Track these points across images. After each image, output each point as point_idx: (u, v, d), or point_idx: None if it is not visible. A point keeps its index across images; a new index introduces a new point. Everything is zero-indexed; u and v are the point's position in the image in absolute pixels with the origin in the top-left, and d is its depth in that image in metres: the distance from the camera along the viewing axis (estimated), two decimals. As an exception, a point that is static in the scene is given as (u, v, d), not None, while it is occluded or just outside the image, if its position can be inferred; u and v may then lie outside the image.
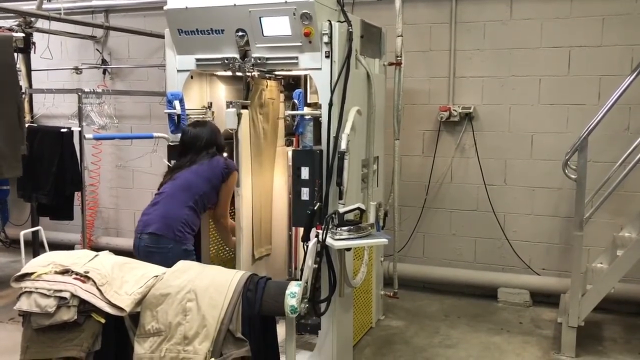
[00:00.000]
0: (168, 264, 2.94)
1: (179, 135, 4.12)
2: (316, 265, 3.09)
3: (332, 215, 3.44)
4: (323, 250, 3.46)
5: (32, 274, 2.70)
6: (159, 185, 3.80)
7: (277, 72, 4.33)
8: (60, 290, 2.61)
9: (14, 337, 3.64)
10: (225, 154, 4.00)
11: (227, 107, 3.94)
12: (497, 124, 5.49)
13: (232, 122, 3.85)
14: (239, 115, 3.91)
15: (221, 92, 4.63)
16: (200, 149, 3.78)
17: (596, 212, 4.75)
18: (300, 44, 3.77)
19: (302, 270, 2.72)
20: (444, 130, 5.66)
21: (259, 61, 3.91)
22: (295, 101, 3.86)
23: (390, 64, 4.86)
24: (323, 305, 3.62)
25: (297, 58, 3.83)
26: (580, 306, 4.21)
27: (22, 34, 5.15)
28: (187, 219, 3.59)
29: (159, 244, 3.49)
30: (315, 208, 3.59)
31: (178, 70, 4.19)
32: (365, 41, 4.27)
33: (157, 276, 2.79)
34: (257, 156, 4.33)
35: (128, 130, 6.80)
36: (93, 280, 2.66)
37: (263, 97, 4.39)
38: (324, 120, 3.78)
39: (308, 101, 4.28)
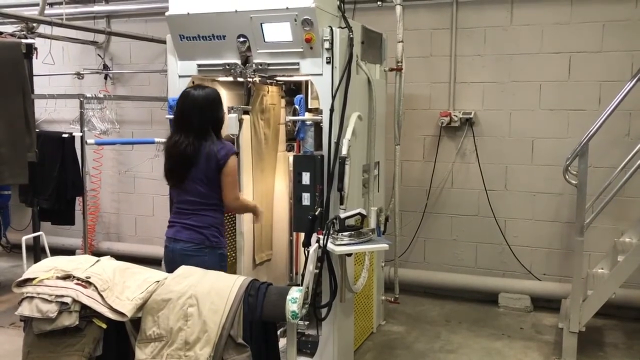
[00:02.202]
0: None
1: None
2: (317, 271, 3.09)
3: (333, 220, 3.44)
4: (324, 256, 3.47)
5: (33, 279, 2.71)
6: (175, 189, 3.49)
7: (278, 78, 4.35)
8: (62, 296, 2.61)
9: (15, 342, 3.64)
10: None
11: (229, 112, 3.95)
12: (498, 129, 5.49)
13: (233, 128, 3.86)
14: (241, 121, 3.93)
15: (222, 98, 4.63)
16: (192, 130, 3.35)
17: (597, 218, 4.74)
18: (301, 49, 3.78)
19: (303, 275, 2.72)
20: (444, 135, 5.67)
21: (260, 67, 3.93)
22: (297, 107, 3.87)
23: (391, 69, 4.87)
24: (324, 311, 3.62)
25: (298, 64, 3.84)
26: (581, 311, 4.20)
27: (32, 40, 5.16)
28: (216, 223, 3.43)
29: (195, 251, 3.32)
30: (317, 213, 3.60)
31: (179, 76, 4.20)
32: (366, 47, 4.28)
33: (158, 281, 2.79)
34: (259, 161, 4.35)
35: (129, 135, 6.81)
36: (94, 286, 2.67)
37: (264, 102, 4.41)
38: (325, 125, 3.79)
39: (309, 107, 4.29)
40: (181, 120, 3.40)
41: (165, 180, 3.49)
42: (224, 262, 3.46)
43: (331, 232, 3.43)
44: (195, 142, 3.31)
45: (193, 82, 4.24)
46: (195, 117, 3.34)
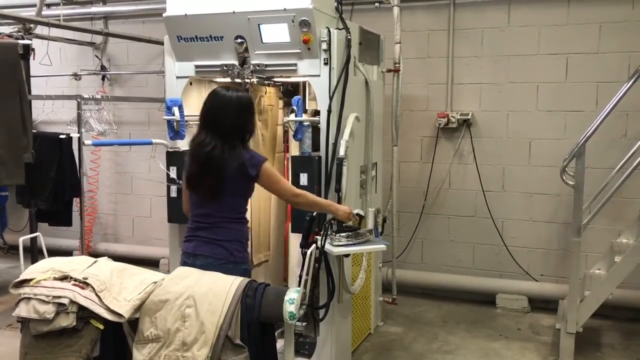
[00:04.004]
0: None
1: (178, 141, 4.13)
2: (311, 272, 3.07)
3: (331, 221, 3.44)
4: (322, 257, 3.47)
5: (30, 280, 2.70)
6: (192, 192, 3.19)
7: (276, 79, 4.35)
8: (59, 297, 2.60)
9: (12, 343, 3.63)
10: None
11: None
12: (495, 130, 5.50)
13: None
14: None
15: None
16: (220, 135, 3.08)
17: (594, 219, 4.76)
18: (299, 50, 3.79)
19: (300, 277, 2.71)
20: (442, 136, 5.67)
21: (258, 68, 3.93)
22: (294, 108, 3.87)
23: (389, 70, 4.88)
24: (322, 312, 3.62)
25: (295, 65, 3.84)
26: (578, 312, 4.21)
27: (30, 41, 5.15)
28: (241, 237, 3.19)
29: (217, 268, 3.02)
30: (314, 214, 3.60)
31: (177, 77, 4.20)
32: (364, 48, 4.29)
33: (155, 282, 2.79)
34: (256, 162, 4.33)
35: (127, 136, 6.81)
36: (92, 287, 2.66)
37: (262, 103, 4.41)
38: (323, 126, 3.79)
39: (307, 108, 4.29)
40: (208, 121, 3.11)
41: (186, 186, 3.18)
42: (245, 276, 3.07)
43: (329, 233, 3.43)
44: (223, 146, 3.02)
45: (191, 83, 4.25)
46: (224, 119, 3.07)
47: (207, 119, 3.12)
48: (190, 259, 3.11)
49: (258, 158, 3.12)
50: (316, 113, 3.91)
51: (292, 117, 3.86)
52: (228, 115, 3.08)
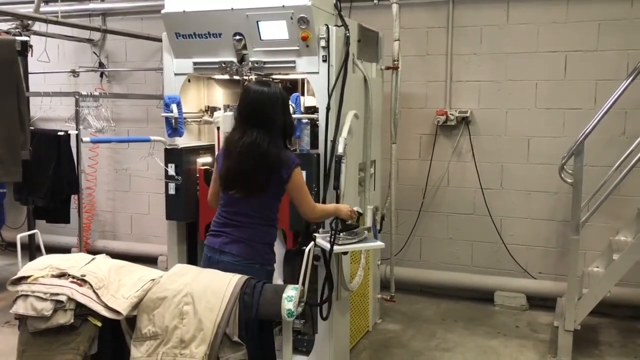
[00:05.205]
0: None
1: (176, 138, 4.13)
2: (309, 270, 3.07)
3: (336, 220, 3.43)
4: (330, 256, 3.47)
5: (28, 277, 2.69)
6: (224, 186, 3.09)
7: (274, 76, 4.34)
8: (57, 294, 2.60)
9: (10, 340, 3.63)
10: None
11: (225, 110, 3.94)
12: (494, 128, 5.50)
13: (229, 126, 3.84)
14: (237, 119, 3.91)
15: (219, 96, 4.63)
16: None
17: (592, 216, 4.77)
18: (297, 48, 3.78)
19: (298, 274, 2.71)
20: (440, 134, 5.67)
21: (256, 65, 3.92)
22: (293, 105, 3.86)
23: (388, 68, 4.88)
24: (324, 310, 3.62)
25: (294, 62, 3.84)
26: (576, 310, 4.21)
27: (27, 38, 5.14)
28: (271, 239, 3.17)
29: (245, 266, 3.01)
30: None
31: (175, 74, 4.20)
32: (363, 45, 4.28)
33: (153, 280, 2.78)
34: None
35: (125, 133, 6.80)
36: (90, 284, 2.66)
37: (260, 100, 4.39)
38: (321, 124, 3.79)
39: (305, 105, 4.28)
40: (245, 116, 3.02)
41: (221, 183, 3.07)
42: (270, 279, 3.16)
43: (331, 231, 3.42)
44: (267, 143, 2.94)
45: (189, 80, 4.24)
46: (273, 116, 3.00)
47: (253, 115, 3.00)
48: (216, 254, 3.07)
49: (294, 159, 3.04)
50: (310, 110, 3.90)
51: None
52: (276, 112, 3.02)
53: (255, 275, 2.83)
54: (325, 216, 3.40)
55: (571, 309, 4.22)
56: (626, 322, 5.07)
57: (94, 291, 2.64)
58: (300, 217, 3.36)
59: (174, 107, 4.00)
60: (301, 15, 3.66)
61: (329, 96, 3.74)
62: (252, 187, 3.00)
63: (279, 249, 3.93)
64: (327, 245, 3.41)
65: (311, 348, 3.97)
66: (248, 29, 3.83)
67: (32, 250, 4.95)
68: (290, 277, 3.95)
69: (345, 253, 3.79)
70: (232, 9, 3.81)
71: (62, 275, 2.70)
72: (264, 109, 3.00)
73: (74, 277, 2.68)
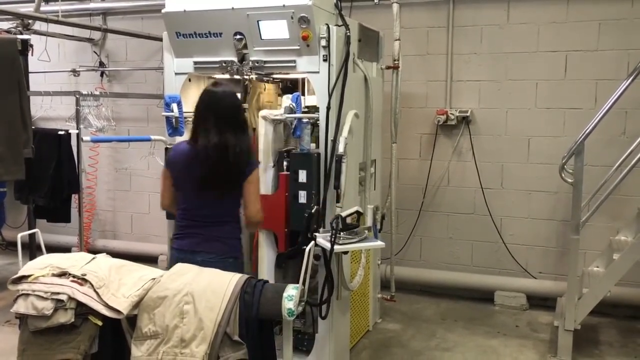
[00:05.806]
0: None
1: (177, 137, 4.12)
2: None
3: (337, 219, 3.43)
4: (331, 256, 3.47)
5: (29, 276, 2.69)
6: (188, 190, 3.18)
7: (275, 75, 4.34)
8: (58, 293, 2.60)
9: (10, 339, 3.63)
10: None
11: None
12: (494, 127, 5.50)
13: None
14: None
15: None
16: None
17: (592, 216, 4.77)
18: (298, 47, 3.78)
19: (290, 277, 2.71)
20: (441, 133, 5.67)
21: (257, 64, 3.92)
22: (293, 104, 3.86)
23: (388, 67, 4.88)
24: (324, 310, 3.62)
25: (295, 61, 3.84)
26: (576, 310, 4.21)
27: (28, 37, 5.14)
28: (240, 234, 3.29)
29: (219, 261, 3.09)
30: (313, 211, 3.60)
31: (176, 73, 4.20)
32: (363, 45, 4.28)
33: (154, 279, 2.79)
34: (255, 159, 4.33)
35: (125, 132, 6.80)
36: (90, 283, 2.66)
37: (261, 100, 4.40)
38: (322, 123, 3.79)
39: (306, 104, 4.29)
40: (221, 119, 3.05)
41: (196, 186, 3.11)
42: (242, 270, 3.23)
43: (331, 231, 3.42)
44: (238, 142, 3.03)
45: (190, 80, 4.24)
46: (237, 116, 3.11)
47: (221, 117, 3.04)
48: (188, 255, 3.11)
49: (254, 159, 3.24)
50: (311, 109, 3.90)
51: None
52: (239, 112, 3.15)
53: (229, 269, 2.93)
54: (260, 224, 3.36)
55: (571, 309, 4.22)
56: (626, 322, 5.07)
57: (95, 290, 2.64)
58: (298, 217, 3.40)
59: (174, 106, 4.00)
60: (302, 14, 3.66)
61: (330, 95, 3.74)
62: (229, 187, 3.11)
63: (269, 253, 3.95)
64: (328, 245, 3.42)
65: (311, 347, 3.97)
66: (248, 28, 3.84)
67: (32, 250, 4.95)
68: (282, 282, 3.93)
69: (345, 252, 3.79)
70: (232, 8, 3.81)
71: (62, 274, 2.70)
72: (229, 110, 3.09)
73: (74, 276, 2.69)
